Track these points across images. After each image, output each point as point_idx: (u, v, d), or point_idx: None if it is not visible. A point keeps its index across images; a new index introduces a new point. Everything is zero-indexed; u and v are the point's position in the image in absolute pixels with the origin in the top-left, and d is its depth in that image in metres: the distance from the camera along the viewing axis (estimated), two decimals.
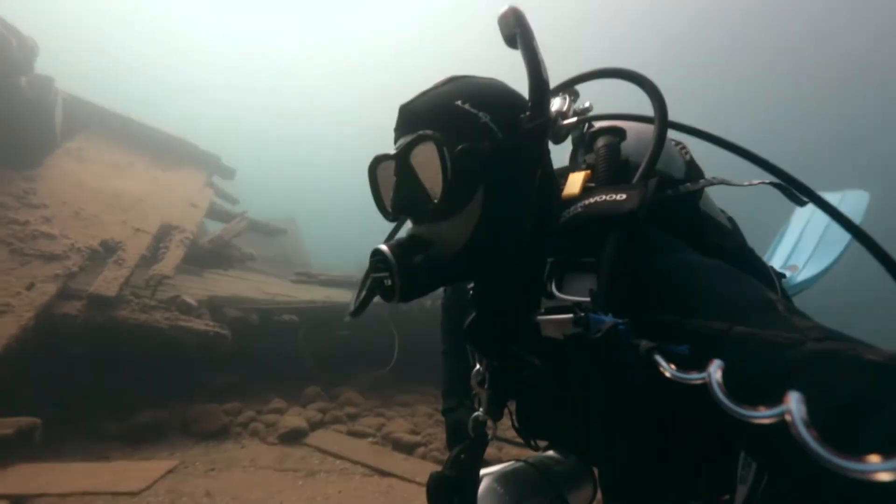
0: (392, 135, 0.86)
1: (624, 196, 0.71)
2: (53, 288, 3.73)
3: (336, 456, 3.91)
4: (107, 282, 4.09)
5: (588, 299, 0.69)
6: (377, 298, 0.82)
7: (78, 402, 3.85)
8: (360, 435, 4.39)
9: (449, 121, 0.76)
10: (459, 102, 0.77)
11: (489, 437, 0.95)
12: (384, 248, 0.78)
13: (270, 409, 4.62)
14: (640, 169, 0.76)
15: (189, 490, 3.06)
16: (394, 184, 0.81)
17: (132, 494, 2.44)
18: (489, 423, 0.95)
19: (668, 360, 0.56)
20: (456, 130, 0.75)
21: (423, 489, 0.94)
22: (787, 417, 0.41)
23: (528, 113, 0.77)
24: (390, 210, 0.85)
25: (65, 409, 3.72)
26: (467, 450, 0.94)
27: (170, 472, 2.57)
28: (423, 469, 3.74)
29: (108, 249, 4.49)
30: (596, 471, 1.04)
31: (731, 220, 1.04)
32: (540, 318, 0.76)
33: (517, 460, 1.03)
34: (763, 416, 0.43)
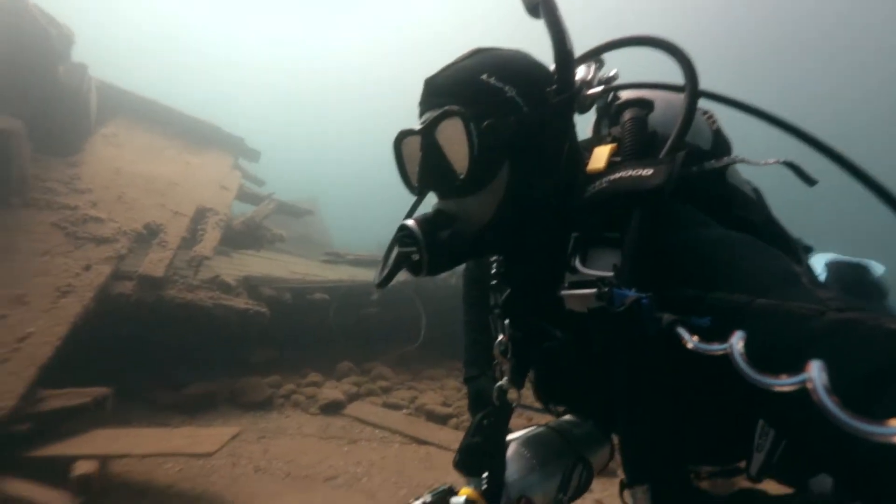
0: (413, 109, 0.85)
1: (650, 171, 0.70)
2: (108, 269, 3.95)
3: (374, 426, 4.15)
4: (153, 263, 4.31)
5: (611, 274, 0.70)
6: (402, 275, 0.84)
7: (132, 376, 4.12)
8: (395, 407, 4.63)
9: (474, 95, 0.75)
10: (485, 76, 0.75)
11: (513, 404, 0.97)
12: (411, 223, 0.78)
13: (308, 383, 4.88)
14: (668, 142, 0.75)
15: (246, 454, 3.33)
16: (419, 159, 0.80)
17: (205, 456, 2.69)
18: (513, 391, 0.96)
19: (691, 332, 0.57)
20: (482, 105, 0.74)
21: None
22: (809, 385, 0.42)
23: (553, 87, 0.76)
24: (416, 185, 0.85)
25: (121, 382, 3.99)
26: (490, 416, 0.96)
27: (233, 437, 2.80)
28: (458, 438, 3.93)
29: (151, 232, 4.70)
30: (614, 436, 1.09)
31: (756, 190, 1.02)
32: (564, 292, 0.77)
33: (538, 425, 1.07)
34: (785, 383, 0.44)
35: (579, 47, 0.84)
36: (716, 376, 0.59)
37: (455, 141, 0.75)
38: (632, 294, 0.63)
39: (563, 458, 0.96)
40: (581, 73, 0.86)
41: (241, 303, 4.70)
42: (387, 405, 4.66)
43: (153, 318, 4.18)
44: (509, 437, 0.99)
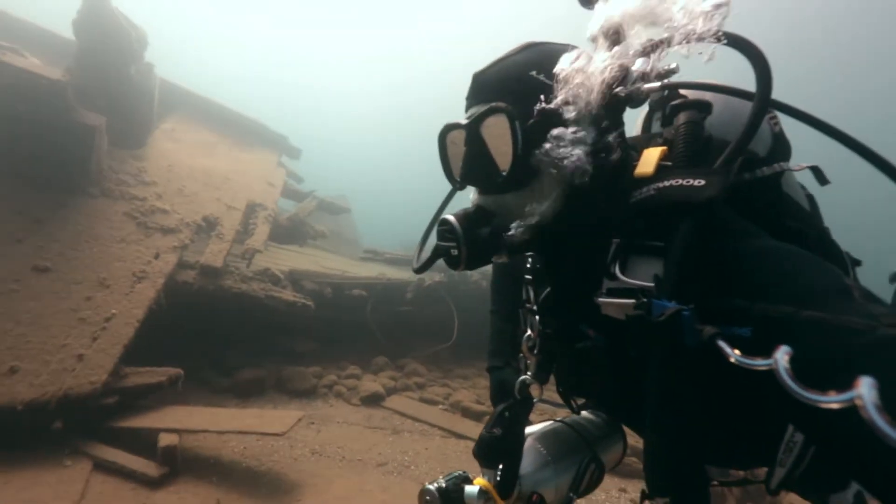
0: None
1: (703, 182, 0.67)
2: (174, 258, 4.24)
3: (414, 419, 4.34)
4: (213, 254, 4.59)
5: (652, 285, 0.68)
6: (436, 274, 0.92)
7: (188, 360, 4.39)
8: (431, 402, 4.81)
9: (522, 91, 0.74)
10: (534, 73, 0.75)
11: (535, 399, 0.97)
12: (452, 218, 0.79)
13: (348, 375, 5.10)
14: (725, 153, 0.70)
15: (301, 438, 3.55)
16: (463, 153, 0.80)
17: (277, 435, 2.92)
18: (535, 386, 0.97)
19: (731, 343, 0.56)
20: (529, 102, 0.74)
21: None
22: (858, 402, 0.41)
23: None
24: (458, 180, 0.85)
25: (178, 364, 4.28)
26: (512, 409, 0.96)
27: (298, 420, 3.02)
28: None
29: (210, 224, 4.99)
30: (627, 431, 1.11)
31: (810, 197, 0.99)
32: (601, 299, 0.75)
33: (555, 420, 1.08)
34: (833, 400, 0.43)
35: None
36: (753, 388, 0.58)
37: (499, 137, 0.75)
38: (672, 306, 0.63)
39: (577, 456, 0.97)
40: (638, 65, 0.79)
41: (289, 295, 4.95)
42: (423, 400, 4.85)
43: (211, 306, 4.46)
44: (527, 430, 1.00)
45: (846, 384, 0.43)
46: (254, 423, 2.91)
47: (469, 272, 6.78)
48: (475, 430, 4.22)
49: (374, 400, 4.62)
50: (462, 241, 0.77)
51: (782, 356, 0.48)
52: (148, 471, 2.63)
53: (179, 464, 2.77)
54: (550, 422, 1.07)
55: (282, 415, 3.08)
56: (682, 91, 0.85)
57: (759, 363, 0.50)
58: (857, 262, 0.99)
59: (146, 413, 3.09)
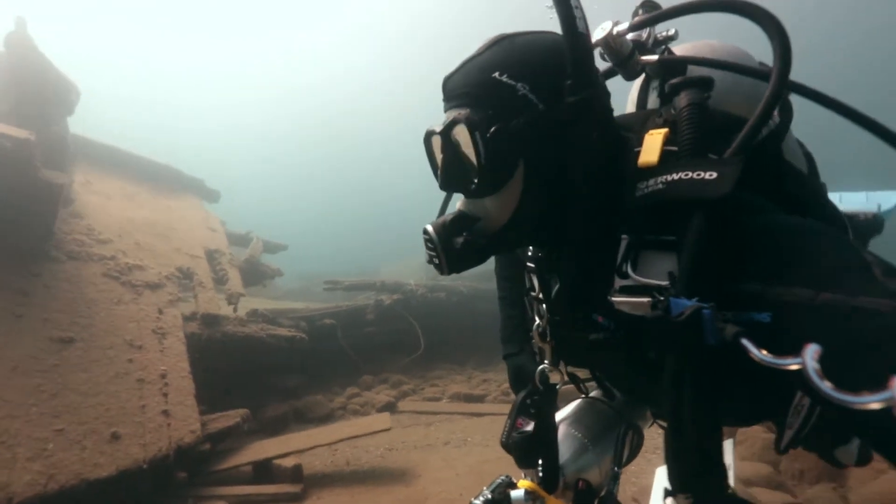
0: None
1: (714, 175, 0.63)
2: (176, 311, 4.13)
3: (433, 413, 5.00)
4: (207, 302, 4.55)
5: (666, 283, 0.67)
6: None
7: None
8: (434, 399, 5.49)
9: (486, 96, 0.75)
10: (497, 74, 0.74)
11: (557, 386, 0.96)
12: (429, 228, 0.81)
13: (350, 395, 5.44)
14: (737, 142, 0.66)
15: (368, 443, 3.96)
16: (440, 160, 0.82)
17: (385, 431, 3.34)
18: (555, 374, 0.96)
19: (752, 329, 0.56)
20: (491, 106, 0.74)
21: None
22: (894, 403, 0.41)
23: (569, 83, 0.71)
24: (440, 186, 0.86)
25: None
26: (536, 400, 0.95)
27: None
28: (501, 408, 5.04)
29: (185, 275, 4.83)
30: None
31: (808, 155, 0.97)
32: (615, 298, 0.74)
33: (583, 397, 1.08)
34: (868, 401, 0.43)
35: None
36: (779, 379, 0.55)
37: (467, 146, 0.76)
38: (690, 304, 0.61)
39: (613, 430, 0.96)
40: (632, 35, 0.79)
41: (286, 331, 5.10)
42: (426, 399, 5.50)
43: (220, 353, 4.40)
44: (557, 416, 0.98)
45: (877, 376, 0.43)
46: (354, 430, 3.32)
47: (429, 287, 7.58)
48: (485, 407, 5.08)
49: (389, 408, 5.10)
50: (439, 250, 0.80)
51: (811, 357, 0.47)
52: (288, 490, 2.88)
53: (304, 480, 3.05)
54: (578, 401, 1.06)
55: (370, 419, 3.52)
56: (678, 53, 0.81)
57: (788, 362, 0.50)
58: (851, 217, 0.96)
59: (234, 453, 3.21)
